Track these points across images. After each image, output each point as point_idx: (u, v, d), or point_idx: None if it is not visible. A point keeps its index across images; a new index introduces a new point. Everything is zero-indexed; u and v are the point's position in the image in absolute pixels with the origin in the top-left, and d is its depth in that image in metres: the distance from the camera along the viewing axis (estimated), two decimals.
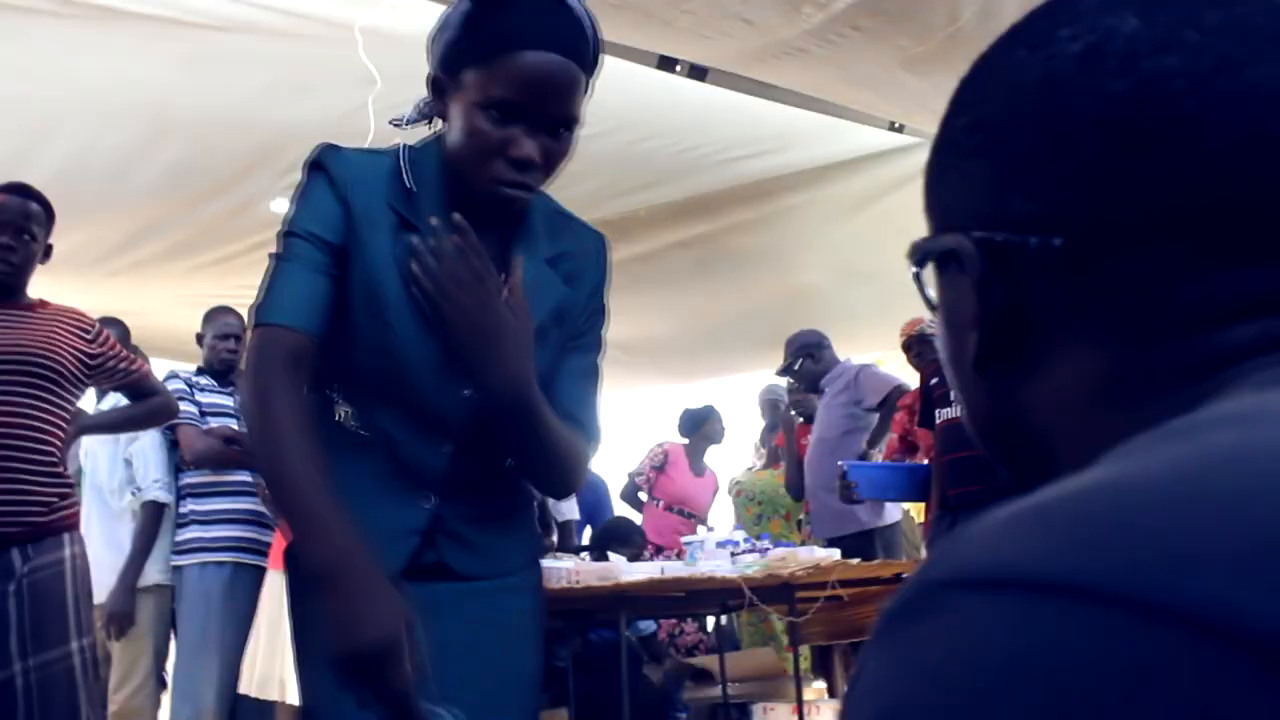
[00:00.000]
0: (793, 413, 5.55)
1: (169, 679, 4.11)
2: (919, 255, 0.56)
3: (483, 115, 1.41)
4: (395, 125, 1.58)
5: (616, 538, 5.03)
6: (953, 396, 4.63)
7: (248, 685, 3.85)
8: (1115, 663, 0.31)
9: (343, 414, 1.53)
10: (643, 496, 6.12)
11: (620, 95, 3.89)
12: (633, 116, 4.33)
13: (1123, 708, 0.30)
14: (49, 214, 3.00)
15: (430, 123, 1.55)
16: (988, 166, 0.51)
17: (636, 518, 5.87)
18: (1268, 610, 0.30)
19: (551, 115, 1.42)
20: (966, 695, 0.33)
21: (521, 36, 1.40)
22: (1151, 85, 0.46)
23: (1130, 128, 0.46)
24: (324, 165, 1.49)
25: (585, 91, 1.46)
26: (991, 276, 0.51)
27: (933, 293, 0.57)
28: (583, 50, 1.44)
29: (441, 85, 1.47)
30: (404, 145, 1.52)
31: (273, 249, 1.49)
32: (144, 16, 3.47)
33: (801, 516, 5.64)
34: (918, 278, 0.57)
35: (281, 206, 4.74)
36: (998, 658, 0.33)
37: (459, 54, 1.44)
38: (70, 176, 4.11)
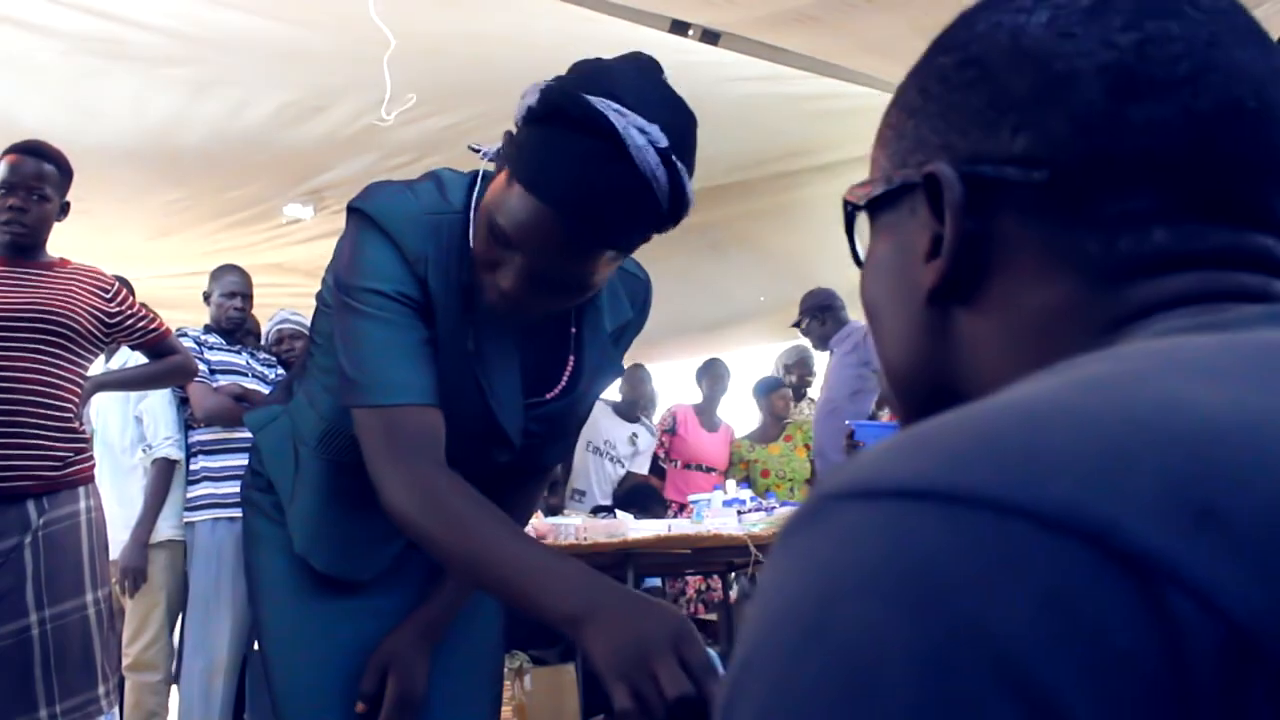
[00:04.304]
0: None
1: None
2: (880, 187, 0.58)
3: (490, 229, 1.23)
4: (473, 151, 1.35)
5: (636, 503, 5.06)
6: None
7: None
8: (975, 556, 0.35)
9: None
10: (665, 465, 6.17)
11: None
12: None
13: (980, 593, 0.34)
14: (64, 173, 3.00)
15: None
16: (979, 100, 0.54)
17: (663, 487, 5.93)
18: (1107, 512, 0.35)
19: (557, 276, 1.24)
20: (841, 591, 0.36)
21: (551, 188, 1.16)
22: (1155, 43, 0.50)
23: (1131, 76, 0.50)
24: (390, 234, 1.28)
25: (620, 258, 1.25)
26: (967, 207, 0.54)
27: (862, 240, 0.60)
28: (633, 219, 1.19)
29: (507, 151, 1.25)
30: (475, 204, 1.32)
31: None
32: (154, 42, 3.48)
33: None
34: (851, 218, 0.61)
35: (295, 211, 4.76)
36: (869, 554, 0.37)
37: (513, 144, 1.22)
38: (87, 190, 4.18)
